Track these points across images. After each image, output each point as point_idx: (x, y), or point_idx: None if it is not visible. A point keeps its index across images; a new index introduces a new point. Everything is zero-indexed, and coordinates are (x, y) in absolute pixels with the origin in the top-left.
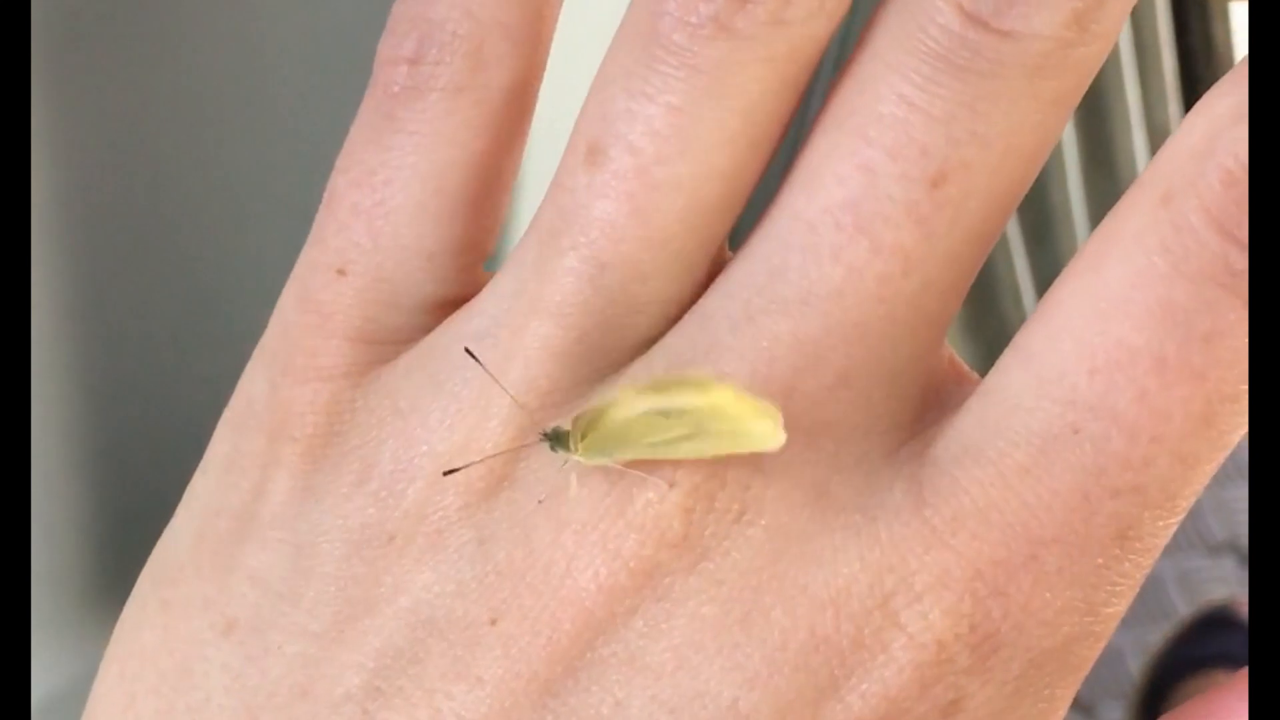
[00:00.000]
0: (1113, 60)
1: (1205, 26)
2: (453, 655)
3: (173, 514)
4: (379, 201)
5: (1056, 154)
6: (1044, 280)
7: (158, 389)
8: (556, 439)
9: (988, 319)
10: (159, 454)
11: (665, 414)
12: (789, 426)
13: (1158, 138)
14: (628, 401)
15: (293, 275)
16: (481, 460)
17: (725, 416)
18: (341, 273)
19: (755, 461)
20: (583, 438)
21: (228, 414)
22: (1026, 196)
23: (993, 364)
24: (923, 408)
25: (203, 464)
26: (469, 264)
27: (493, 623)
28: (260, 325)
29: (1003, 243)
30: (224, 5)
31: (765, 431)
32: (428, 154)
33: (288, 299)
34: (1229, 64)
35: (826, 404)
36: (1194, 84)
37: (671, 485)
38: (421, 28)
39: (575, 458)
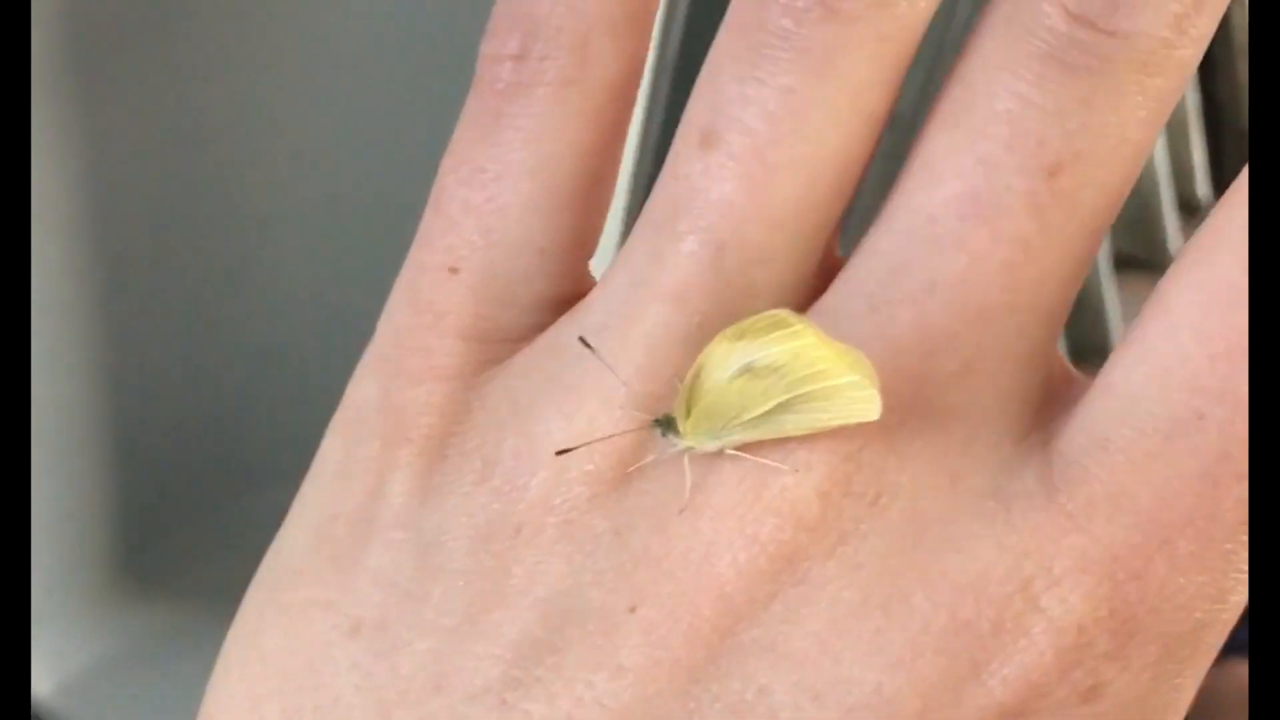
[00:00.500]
0: None
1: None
2: (591, 644)
3: (185, 508)
4: (490, 198)
5: None
6: None
7: (172, 383)
8: (667, 425)
9: None
10: (173, 447)
11: (754, 373)
12: (918, 413)
13: (1174, 128)
14: (718, 356)
15: (399, 280)
16: (593, 442)
17: (813, 367)
18: (454, 270)
19: (889, 446)
20: (687, 415)
21: (337, 421)
22: None
23: None
24: (1042, 402)
25: (312, 472)
26: (578, 260)
27: (632, 610)
28: (273, 324)
29: None
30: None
31: (860, 388)
32: (536, 149)
33: (397, 302)
34: (1243, 53)
35: (956, 390)
36: (1209, 72)
37: (806, 470)
38: (525, 25)
39: (686, 442)
